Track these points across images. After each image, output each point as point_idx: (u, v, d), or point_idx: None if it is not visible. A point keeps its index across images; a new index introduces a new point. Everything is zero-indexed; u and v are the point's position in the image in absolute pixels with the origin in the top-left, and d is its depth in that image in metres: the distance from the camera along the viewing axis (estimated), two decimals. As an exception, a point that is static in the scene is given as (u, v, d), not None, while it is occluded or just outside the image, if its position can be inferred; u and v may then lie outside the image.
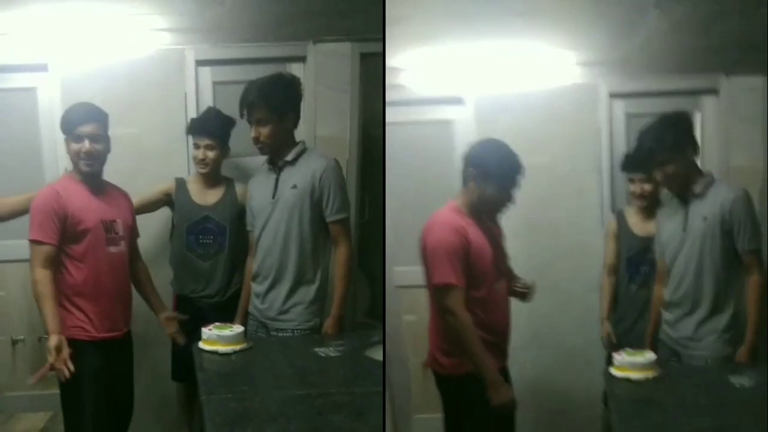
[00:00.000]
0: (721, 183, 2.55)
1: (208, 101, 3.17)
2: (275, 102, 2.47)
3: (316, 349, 2.20)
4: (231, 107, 2.74)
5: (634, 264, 2.91)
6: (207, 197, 2.88)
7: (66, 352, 2.25)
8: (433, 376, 2.35)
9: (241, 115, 2.55)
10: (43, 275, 2.30)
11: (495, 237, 2.34)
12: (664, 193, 2.90)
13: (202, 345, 2.27)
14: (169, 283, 2.94)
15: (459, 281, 2.15)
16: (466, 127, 3.24)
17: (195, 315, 2.73)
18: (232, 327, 2.32)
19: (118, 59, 3.08)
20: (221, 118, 2.88)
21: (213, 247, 2.84)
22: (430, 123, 3.35)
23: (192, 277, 2.87)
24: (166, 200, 2.93)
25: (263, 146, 2.53)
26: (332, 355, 2.16)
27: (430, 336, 2.35)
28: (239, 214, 2.83)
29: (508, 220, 2.47)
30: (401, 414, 3.28)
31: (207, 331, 2.28)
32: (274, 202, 2.52)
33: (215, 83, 3.20)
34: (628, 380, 2.18)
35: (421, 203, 2.89)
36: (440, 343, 2.29)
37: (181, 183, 2.92)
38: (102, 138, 2.44)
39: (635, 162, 2.83)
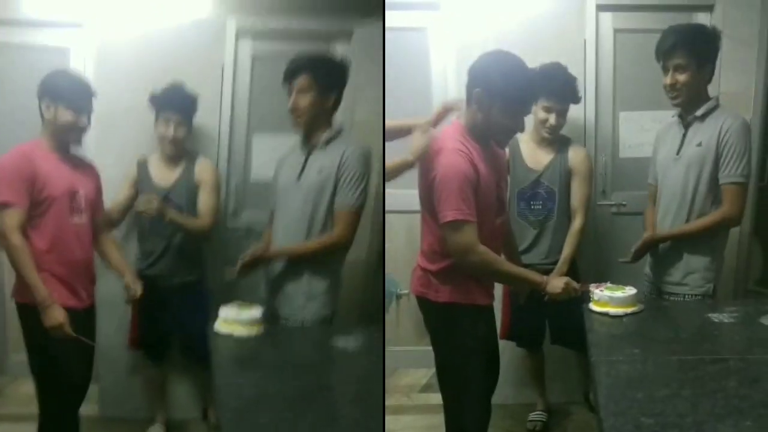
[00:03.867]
0: (725, 109, 2.39)
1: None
2: (697, 51, 2.34)
3: (710, 315, 2.13)
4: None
5: (525, 198, 2.78)
6: (168, 176, 2.79)
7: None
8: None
9: (658, 60, 2.40)
10: (20, 240, 2.20)
11: (500, 166, 2.13)
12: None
13: (593, 306, 2.17)
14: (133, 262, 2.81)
15: (472, 216, 1.95)
16: (440, 33, 3.14)
17: (154, 296, 2.65)
18: (624, 288, 2.19)
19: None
20: (188, 94, 2.75)
21: (168, 228, 2.73)
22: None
23: (149, 253, 2.80)
24: (136, 192, 2.81)
25: (678, 95, 2.39)
26: (726, 321, 2.07)
27: (420, 259, 2.18)
28: (195, 194, 2.76)
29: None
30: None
31: (598, 292, 2.17)
32: (678, 158, 2.41)
33: (616, 30, 3.12)
34: (606, 315, 2.12)
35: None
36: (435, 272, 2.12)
37: (142, 166, 2.83)
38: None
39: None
